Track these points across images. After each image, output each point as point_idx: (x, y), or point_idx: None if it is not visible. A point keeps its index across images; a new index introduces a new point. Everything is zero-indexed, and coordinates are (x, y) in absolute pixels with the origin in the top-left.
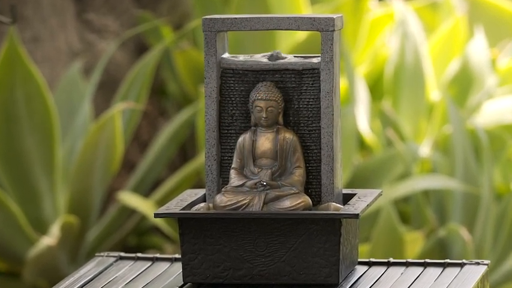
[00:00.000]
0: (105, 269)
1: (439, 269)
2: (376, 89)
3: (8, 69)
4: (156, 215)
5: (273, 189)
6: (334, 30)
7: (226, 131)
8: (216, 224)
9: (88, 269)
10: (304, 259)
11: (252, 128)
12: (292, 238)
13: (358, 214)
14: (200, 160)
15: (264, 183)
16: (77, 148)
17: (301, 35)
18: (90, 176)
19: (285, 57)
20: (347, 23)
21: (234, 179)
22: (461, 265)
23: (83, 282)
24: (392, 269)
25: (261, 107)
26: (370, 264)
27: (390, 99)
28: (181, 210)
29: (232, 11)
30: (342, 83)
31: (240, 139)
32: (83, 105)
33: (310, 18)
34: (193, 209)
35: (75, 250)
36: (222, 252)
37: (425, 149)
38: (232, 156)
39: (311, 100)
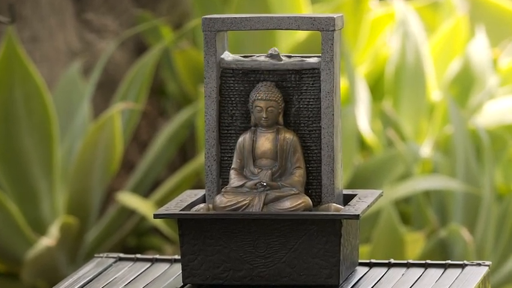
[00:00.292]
0: (105, 270)
1: (440, 270)
2: (376, 89)
3: (7, 69)
4: (156, 216)
5: (273, 189)
6: (334, 30)
7: (226, 131)
8: (215, 225)
9: (87, 270)
10: (305, 260)
11: (252, 128)
12: (293, 239)
13: (358, 215)
14: (200, 160)
15: (264, 184)
16: (76, 148)
17: (301, 35)
18: (89, 177)
19: (284, 56)
20: (347, 22)
21: (234, 180)
22: (463, 266)
23: (82, 283)
24: (393, 270)
25: (261, 107)
26: (370, 265)
27: (391, 99)
28: (180, 210)
29: (232, 11)
30: (343, 83)
31: (240, 139)
32: (82, 105)
33: (311, 17)
34: (193, 210)
35: (74, 251)
36: (221, 253)
37: (426, 150)
38: (232, 156)
39: (311, 100)
